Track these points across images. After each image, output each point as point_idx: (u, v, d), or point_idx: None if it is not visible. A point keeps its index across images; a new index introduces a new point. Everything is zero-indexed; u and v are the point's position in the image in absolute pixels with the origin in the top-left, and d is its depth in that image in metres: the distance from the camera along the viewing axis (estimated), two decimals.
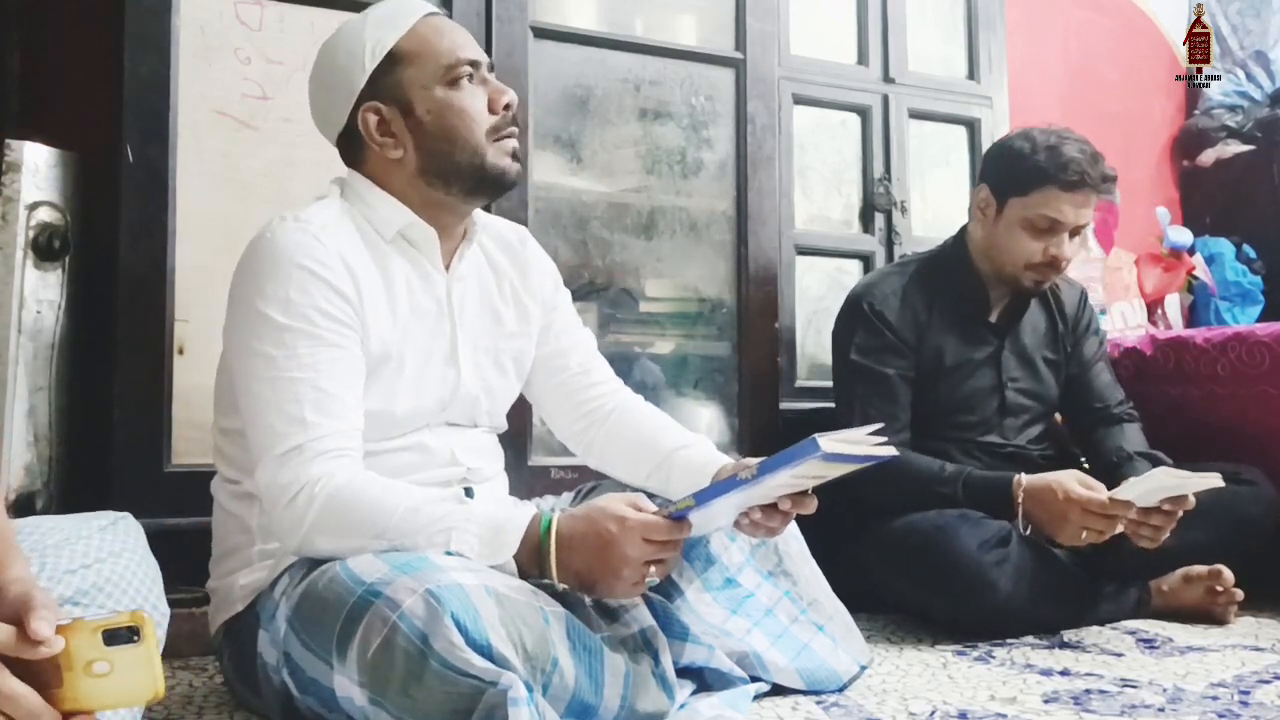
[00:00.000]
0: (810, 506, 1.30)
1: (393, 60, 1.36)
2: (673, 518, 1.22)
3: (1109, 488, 1.81)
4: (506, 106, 1.39)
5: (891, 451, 1.24)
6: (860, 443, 1.22)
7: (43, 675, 0.78)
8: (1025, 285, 2.03)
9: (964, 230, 2.13)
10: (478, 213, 1.48)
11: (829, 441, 1.14)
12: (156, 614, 1.08)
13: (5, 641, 0.77)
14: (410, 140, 1.37)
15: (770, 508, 1.29)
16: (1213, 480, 1.72)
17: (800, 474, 1.20)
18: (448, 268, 1.43)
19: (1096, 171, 1.94)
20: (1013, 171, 1.99)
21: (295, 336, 1.27)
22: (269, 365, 1.27)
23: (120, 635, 0.80)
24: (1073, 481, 1.81)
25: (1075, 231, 1.98)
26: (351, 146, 1.41)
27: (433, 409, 1.41)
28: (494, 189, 1.41)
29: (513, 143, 1.40)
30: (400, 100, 1.36)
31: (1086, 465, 2.09)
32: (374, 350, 1.34)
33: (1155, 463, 1.97)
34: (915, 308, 2.05)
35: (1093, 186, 1.95)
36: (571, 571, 1.22)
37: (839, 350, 2.11)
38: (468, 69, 1.37)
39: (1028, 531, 1.85)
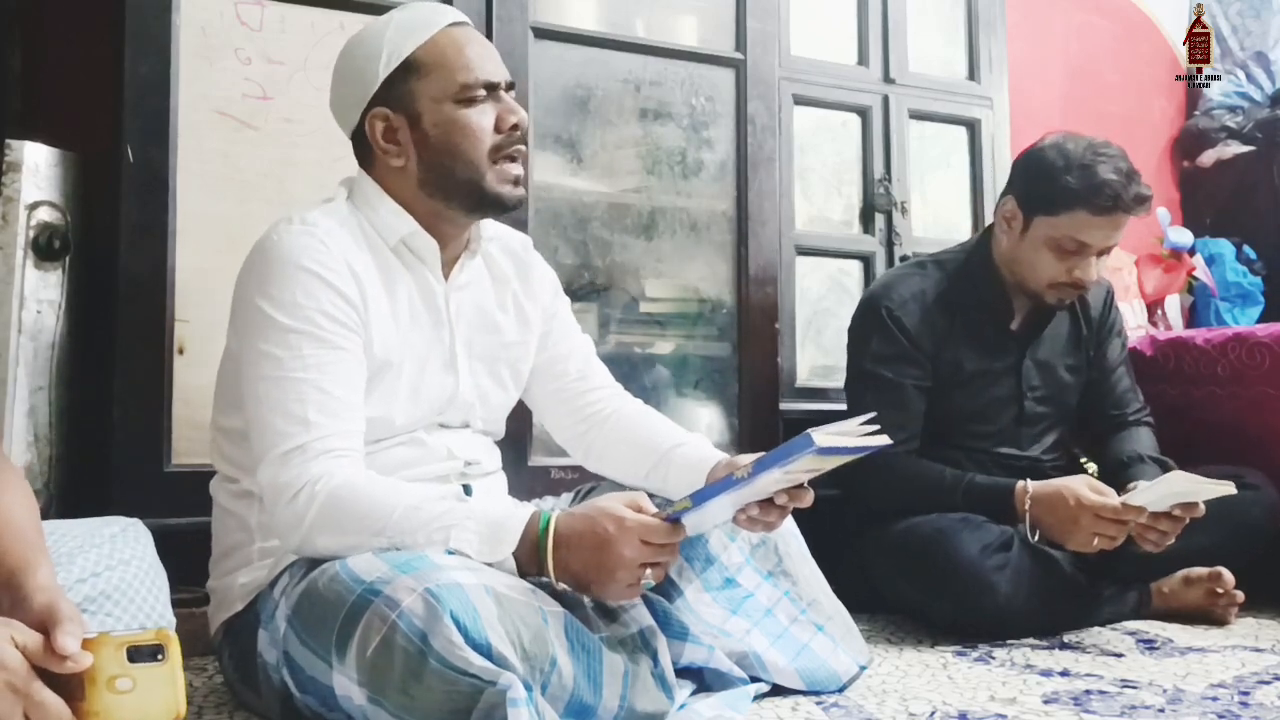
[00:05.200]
0: (807, 500, 1.30)
1: (407, 69, 1.35)
2: (670, 519, 1.22)
3: (1115, 487, 1.80)
4: (513, 127, 1.37)
5: (885, 440, 1.23)
6: (853, 434, 1.22)
7: (67, 686, 0.79)
8: (1047, 302, 1.97)
9: (987, 235, 2.05)
10: (484, 222, 1.47)
11: (823, 436, 1.14)
12: (163, 622, 1.08)
13: (34, 651, 0.77)
14: (413, 152, 1.37)
15: (767, 503, 1.29)
16: (1226, 488, 1.69)
17: (795, 469, 1.21)
18: (448, 277, 1.44)
19: (1130, 194, 1.84)
20: (1042, 189, 1.89)
21: (300, 338, 1.28)
22: (274, 365, 1.27)
23: (144, 652, 0.80)
24: (1084, 487, 1.78)
25: (1104, 253, 1.91)
26: (361, 148, 1.41)
27: (428, 414, 1.42)
28: (494, 210, 1.41)
29: (516, 168, 1.38)
30: (409, 110, 1.36)
31: (1091, 469, 2.07)
32: (376, 355, 1.35)
33: (1165, 468, 1.95)
34: (935, 315, 1.99)
35: (1125, 210, 1.85)
36: (569, 571, 1.22)
37: (854, 354, 2.06)
38: (482, 91, 1.36)
39: (1036, 538, 1.83)
